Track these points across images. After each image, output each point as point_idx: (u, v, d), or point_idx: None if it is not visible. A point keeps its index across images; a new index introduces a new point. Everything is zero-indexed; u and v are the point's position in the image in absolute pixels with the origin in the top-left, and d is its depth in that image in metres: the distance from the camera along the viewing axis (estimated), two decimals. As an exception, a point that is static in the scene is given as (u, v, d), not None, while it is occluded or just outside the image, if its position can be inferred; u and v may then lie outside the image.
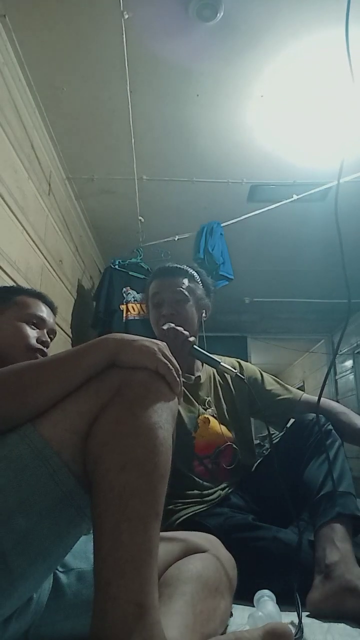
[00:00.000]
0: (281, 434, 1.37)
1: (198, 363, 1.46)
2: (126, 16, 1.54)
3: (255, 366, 1.55)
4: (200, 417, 1.34)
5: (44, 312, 1.13)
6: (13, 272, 1.69)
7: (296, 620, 0.83)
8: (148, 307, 1.49)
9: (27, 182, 1.88)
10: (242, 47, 1.69)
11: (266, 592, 0.90)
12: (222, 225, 2.66)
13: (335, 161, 2.27)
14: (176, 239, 2.72)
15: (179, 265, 1.48)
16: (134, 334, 0.73)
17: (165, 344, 0.72)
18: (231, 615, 0.84)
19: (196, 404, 1.37)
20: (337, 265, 1.09)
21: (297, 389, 1.54)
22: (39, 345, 1.06)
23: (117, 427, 0.60)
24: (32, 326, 1.08)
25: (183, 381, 0.74)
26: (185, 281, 1.43)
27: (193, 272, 1.48)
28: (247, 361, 1.56)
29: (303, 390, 3.88)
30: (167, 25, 1.60)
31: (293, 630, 0.75)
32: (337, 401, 1.62)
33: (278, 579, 0.96)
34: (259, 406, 1.41)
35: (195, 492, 1.24)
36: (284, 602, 0.89)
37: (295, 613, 0.86)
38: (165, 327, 1.26)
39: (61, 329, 2.36)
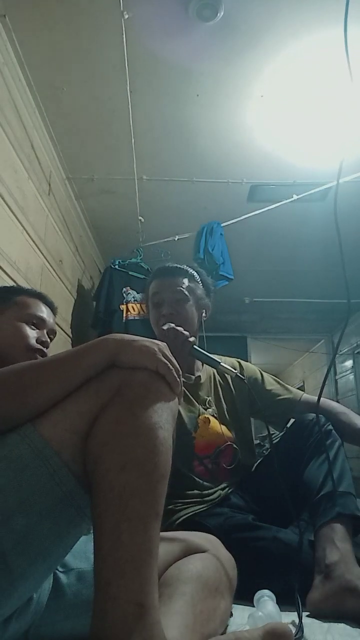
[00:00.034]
0: (281, 434, 1.37)
1: (198, 363, 1.46)
2: (126, 16, 1.54)
3: (256, 366, 1.55)
4: (200, 417, 1.34)
5: (44, 312, 1.13)
6: (13, 272, 1.69)
7: (296, 620, 0.83)
8: (148, 307, 1.49)
9: (27, 182, 1.89)
10: (242, 47, 1.69)
11: (266, 592, 0.90)
12: (222, 225, 2.66)
13: (335, 161, 2.27)
14: (176, 239, 2.72)
15: (179, 265, 1.48)
16: (134, 334, 0.73)
17: (165, 344, 0.72)
18: (231, 615, 0.84)
19: (196, 403, 1.37)
20: (337, 265, 1.09)
21: (297, 389, 1.54)
22: (38, 345, 1.06)
23: (117, 427, 0.60)
24: (32, 326, 1.08)
25: (183, 381, 0.74)
26: (185, 281, 1.43)
27: (193, 272, 1.48)
28: (247, 361, 1.56)
29: (303, 390, 3.87)
30: (167, 25, 1.60)
31: (293, 630, 0.75)
32: (337, 401, 1.62)
33: (278, 579, 0.96)
34: (259, 406, 1.41)
35: (195, 492, 1.24)
36: (284, 602, 0.89)
37: (295, 613, 0.86)
38: (165, 327, 1.26)
39: (61, 329, 2.36)
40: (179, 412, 1.28)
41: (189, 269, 1.48)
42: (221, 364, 1.20)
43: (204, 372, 1.46)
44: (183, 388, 0.73)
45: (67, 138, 2.15)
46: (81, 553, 0.76)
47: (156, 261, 2.54)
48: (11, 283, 1.62)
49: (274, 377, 1.52)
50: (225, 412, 1.40)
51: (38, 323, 1.09)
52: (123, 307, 2.72)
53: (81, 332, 2.72)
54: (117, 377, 0.65)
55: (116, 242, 3.06)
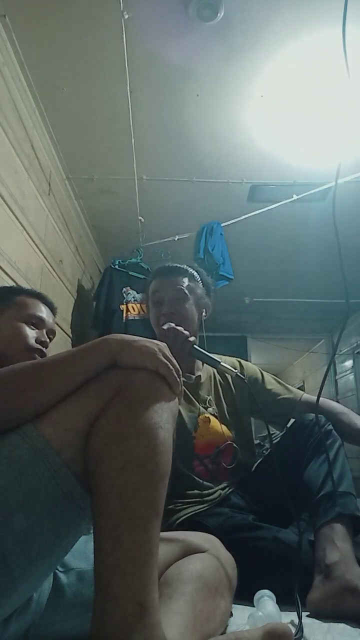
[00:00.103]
0: (281, 433, 1.37)
1: (198, 362, 1.46)
2: (126, 16, 1.54)
3: (256, 366, 1.55)
4: (200, 416, 1.34)
5: (44, 312, 1.13)
6: (13, 272, 1.69)
7: (296, 620, 0.83)
8: (148, 307, 1.49)
9: (27, 182, 1.89)
10: (242, 47, 1.69)
11: (266, 592, 0.90)
12: (222, 225, 2.66)
13: (335, 161, 2.27)
14: (176, 239, 2.72)
15: (179, 265, 1.48)
16: (134, 334, 0.73)
17: (165, 344, 0.72)
18: (231, 615, 0.84)
19: (197, 403, 1.37)
20: (337, 265, 1.09)
21: (297, 389, 1.54)
22: (38, 345, 1.06)
23: (117, 427, 0.60)
24: (32, 326, 1.08)
25: (183, 380, 0.74)
26: (185, 280, 1.43)
27: (193, 271, 1.48)
28: (247, 361, 1.56)
29: (303, 390, 3.87)
30: (167, 25, 1.60)
31: (293, 630, 0.75)
32: (337, 401, 1.62)
33: (278, 579, 0.96)
34: (259, 406, 1.41)
35: (196, 492, 1.24)
36: (284, 602, 0.89)
37: (295, 613, 0.86)
38: (165, 326, 1.26)
39: (61, 329, 2.36)
40: (179, 411, 1.28)
41: (189, 268, 1.48)
42: (221, 363, 1.20)
43: (204, 371, 1.46)
44: (183, 388, 0.73)
45: (67, 138, 2.15)
46: (81, 553, 0.76)
47: (156, 261, 2.53)
48: (11, 283, 1.63)
49: (274, 377, 1.52)
50: (226, 412, 1.40)
51: (37, 323, 1.10)
52: (123, 307, 2.72)
53: (81, 332, 2.72)
54: (118, 377, 0.66)
55: (116, 242, 3.06)
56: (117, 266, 2.80)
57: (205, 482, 1.26)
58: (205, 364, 1.41)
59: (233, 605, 0.84)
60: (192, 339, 1.24)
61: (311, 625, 0.85)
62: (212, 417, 1.35)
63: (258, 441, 2.95)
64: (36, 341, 1.06)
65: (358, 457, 3.34)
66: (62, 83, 1.84)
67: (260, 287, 3.94)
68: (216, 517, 1.15)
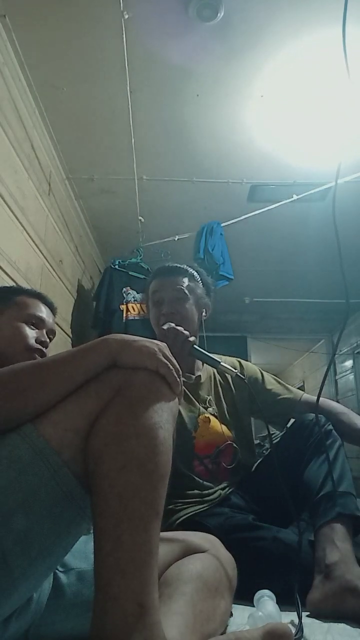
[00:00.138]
0: (281, 433, 1.37)
1: (198, 362, 1.46)
2: (126, 16, 1.54)
3: (256, 366, 1.55)
4: (200, 416, 1.34)
5: (43, 312, 1.13)
6: (13, 272, 1.69)
7: (296, 620, 0.83)
8: (148, 307, 1.49)
9: (27, 182, 1.89)
10: (242, 47, 1.69)
11: (266, 592, 0.90)
12: (222, 225, 2.66)
13: (335, 161, 2.27)
14: (176, 239, 2.72)
15: (179, 265, 1.48)
16: (134, 334, 0.73)
17: (165, 344, 0.72)
18: (231, 615, 0.84)
19: (197, 403, 1.37)
20: (337, 265, 1.09)
21: (297, 389, 1.54)
22: (38, 345, 1.06)
23: (117, 427, 0.60)
24: (32, 326, 1.08)
25: (183, 380, 0.74)
26: (185, 280, 1.43)
27: (193, 271, 1.48)
28: (247, 361, 1.56)
29: (303, 390, 3.87)
30: (167, 25, 1.60)
31: (293, 630, 0.75)
32: (337, 401, 1.62)
33: (278, 579, 0.96)
34: (259, 406, 1.41)
35: (196, 491, 1.24)
36: (284, 602, 0.89)
37: (295, 613, 0.86)
38: (165, 326, 1.26)
39: (61, 329, 2.36)
40: (179, 411, 1.28)
41: (189, 268, 1.48)
42: (221, 363, 1.20)
43: (204, 371, 1.46)
44: (183, 388, 0.73)
45: (67, 138, 2.15)
46: (81, 553, 0.76)
47: (156, 261, 2.53)
48: (11, 283, 1.63)
49: (275, 377, 1.52)
50: (226, 412, 1.40)
51: (37, 323, 1.10)
52: (123, 307, 2.72)
53: (81, 332, 2.72)
54: (118, 377, 0.66)
55: (116, 242, 3.06)
56: (117, 266, 2.80)
57: (205, 482, 1.26)
58: (205, 364, 1.41)
59: (233, 605, 0.84)
60: (192, 338, 1.24)
61: (311, 625, 0.85)
62: (212, 417, 1.35)
63: (258, 441, 2.95)
64: (36, 341, 1.06)
65: (358, 457, 3.34)
66: (62, 83, 1.84)
67: (260, 287, 3.94)
68: (216, 517, 1.15)
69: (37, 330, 1.09)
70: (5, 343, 1.03)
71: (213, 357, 1.24)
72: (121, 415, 0.61)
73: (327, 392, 4.72)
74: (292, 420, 1.36)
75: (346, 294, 1.07)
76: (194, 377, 1.42)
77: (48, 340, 1.12)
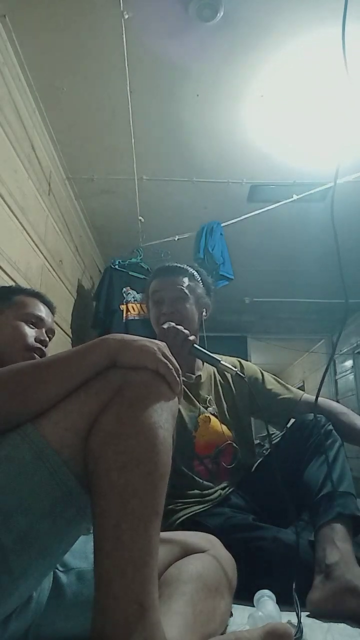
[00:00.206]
0: (281, 433, 1.37)
1: (198, 362, 1.46)
2: (126, 16, 1.54)
3: (256, 366, 1.55)
4: (200, 416, 1.34)
5: (43, 311, 1.13)
6: (13, 272, 1.69)
7: (296, 620, 0.83)
8: (148, 307, 1.49)
9: (27, 182, 1.89)
10: (242, 47, 1.69)
11: (266, 592, 0.90)
12: (222, 225, 2.66)
13: (334, 161, 2.27)
14: (176, 239, 2.72)
15: (179, 265, 1.48)
16: (134, 334, 0.73)
17: (165, 344, 0.72)
18: (231, 615, 0.84)
19: (197, 402, 1.37)
20: (337, 265, 1.09)
21: (297, 389, 1.54)
22: (37, 344, 1.06)
23: (117, 427, 0.60)
24: (31, 325, 1.09)
25: (183, 380, 0.74)
26: (186, 280, 1.43)
27: (193, 271, 1.49)
28: (247, 361, 1.56)
29: (303, 390, 3.87)
30: (167, 25, 1.60)
31: (293, 631, 0.74)
32: (337, 401, 1.62)
33: (278, 579, 0.95)
34: (259, 405, 1.41)
35: (196, 491, 1.24)
36: (284, 602, 0.89)
37: (295, 613, 0.86)
38: (165, 326, 1.26)
39: (61, 329, 2.36)
40: (180, 411, 1.28)
41: (189, 268, 1.48)
42: (221, 362, 1.20)
43: (205, 371, 1.46)
44: (183, 387, 0.73)
45: (67, 138, 2.15)
46: (81, 553, 0.76)
47: (156, 261, 2.54)
48: (11, 283, 1.62)
49: (275, 377, 1.52)
50: (226, 411, 1.40)
51: (36, 322, 1.10)
52: (123, 307, 2.72)
53: (81, 332, 2.72)
54: (118, 377, 0.66)
55: (116, 242, 3.06)
56: (117, 266, 2.80)
57: (205, 482, 1.26)
58: (205, 364, 1.41)
59: (233, 605, 0.84)
60: (191, 337, 1.24)
61: (311, 625, 0.85)
62: (212, 417, 1.35)
63: (258, 441, 2.95)
64: (35, 340, 1.06)
65: (358, 457, 3.33)
66: (62, 83, 1.84)
67: (260, 287, 3.94)
68: (216, 517, 1.15)
69: (36, 329, 1.09)
70: (5, 342, 1.03)
71: (213, 356, 1.24)
72: (121, 415, 0.61)
73: (327, 392, 4.72)
74: (292, 420, 1.36)
75: (345, 294, 1.07)
76: (194, 376, 1.42)
77: (47, 339, 1.12)
